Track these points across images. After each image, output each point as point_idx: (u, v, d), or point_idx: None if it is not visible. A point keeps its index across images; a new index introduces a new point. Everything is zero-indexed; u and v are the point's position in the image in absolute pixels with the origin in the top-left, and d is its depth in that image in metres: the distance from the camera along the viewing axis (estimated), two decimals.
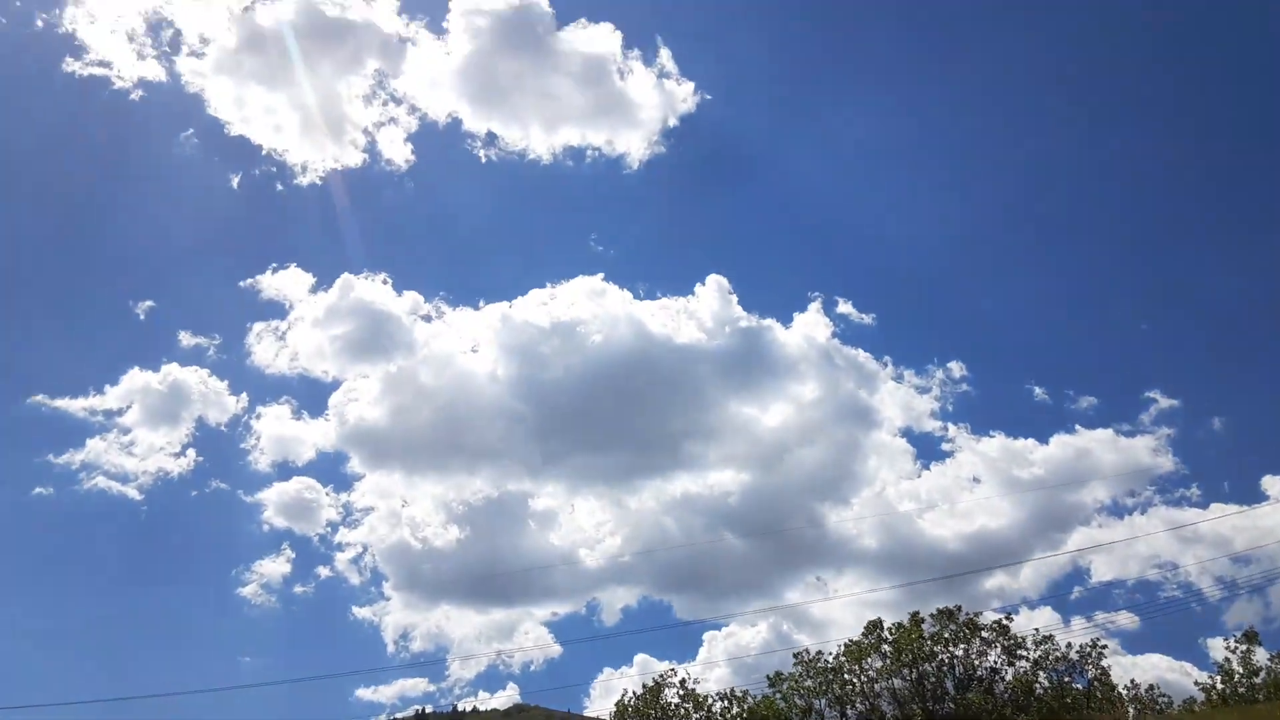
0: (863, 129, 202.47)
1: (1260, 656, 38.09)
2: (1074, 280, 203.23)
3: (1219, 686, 37.37)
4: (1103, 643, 34.83)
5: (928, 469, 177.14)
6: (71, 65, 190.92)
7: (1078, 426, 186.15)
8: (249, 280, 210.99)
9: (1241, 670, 37.52)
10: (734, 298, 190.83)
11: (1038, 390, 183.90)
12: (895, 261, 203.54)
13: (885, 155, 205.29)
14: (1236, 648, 38.12)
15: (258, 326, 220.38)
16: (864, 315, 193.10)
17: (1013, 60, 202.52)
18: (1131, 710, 33.27)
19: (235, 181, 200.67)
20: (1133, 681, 36.05)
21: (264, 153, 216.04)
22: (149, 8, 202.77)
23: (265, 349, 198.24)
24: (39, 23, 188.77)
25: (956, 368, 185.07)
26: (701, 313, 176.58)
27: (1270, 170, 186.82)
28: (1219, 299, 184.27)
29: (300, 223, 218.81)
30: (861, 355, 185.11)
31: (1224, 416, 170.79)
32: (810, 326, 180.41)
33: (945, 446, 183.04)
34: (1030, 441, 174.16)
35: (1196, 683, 38.47)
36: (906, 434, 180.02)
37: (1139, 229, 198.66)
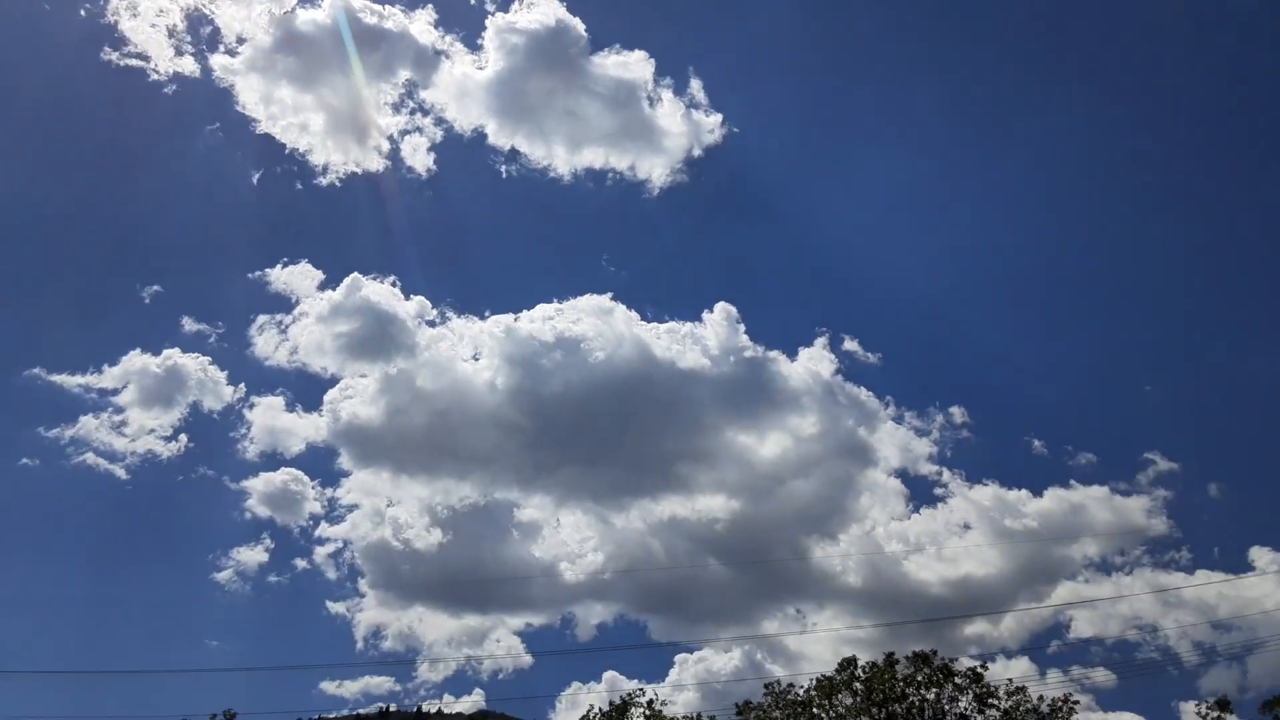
0: (885, 172, 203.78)
1: None
2: (1082, 337, 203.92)
3: None
4: (1074, 698, 34.84)
5: (918, 512, 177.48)
6: (109, 55, 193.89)
7: (1074, 482, 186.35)
8: (258, 273, 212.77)
9: None
10: (741, 327, 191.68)
11: (1036, 443, 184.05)
12: (906, 304, 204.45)
13: (906, 199, 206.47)
14: (1208, 714, 38.10)
15: (261, 318, 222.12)
16: (870, 354, 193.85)
17: (1040, 122, 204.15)
18: None
19: (255, 177, 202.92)
20: None
21: (287, 151, 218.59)
22: (191, 4, 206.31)
23: (267, 341, 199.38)
24: (82, 12, 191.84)
25: (958, 413, 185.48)
26: (708, 339, 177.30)
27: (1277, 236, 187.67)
28: (1226, 366, 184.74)
29: (315, 222, 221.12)
30: (864, 394, 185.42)
31: (1221, 483, 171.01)
32: (815, 361, 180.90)
33: (938, 491, 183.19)
34: (1024, 493, 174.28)
35: None
36: (901, 475, 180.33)
37: (1151, 292, 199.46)
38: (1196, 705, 39.12)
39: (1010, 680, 35.24)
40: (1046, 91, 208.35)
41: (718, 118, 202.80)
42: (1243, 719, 39.12)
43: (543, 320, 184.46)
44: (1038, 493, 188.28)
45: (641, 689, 29.35)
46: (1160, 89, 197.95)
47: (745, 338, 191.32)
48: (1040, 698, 34.39)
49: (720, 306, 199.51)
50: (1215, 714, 37.80)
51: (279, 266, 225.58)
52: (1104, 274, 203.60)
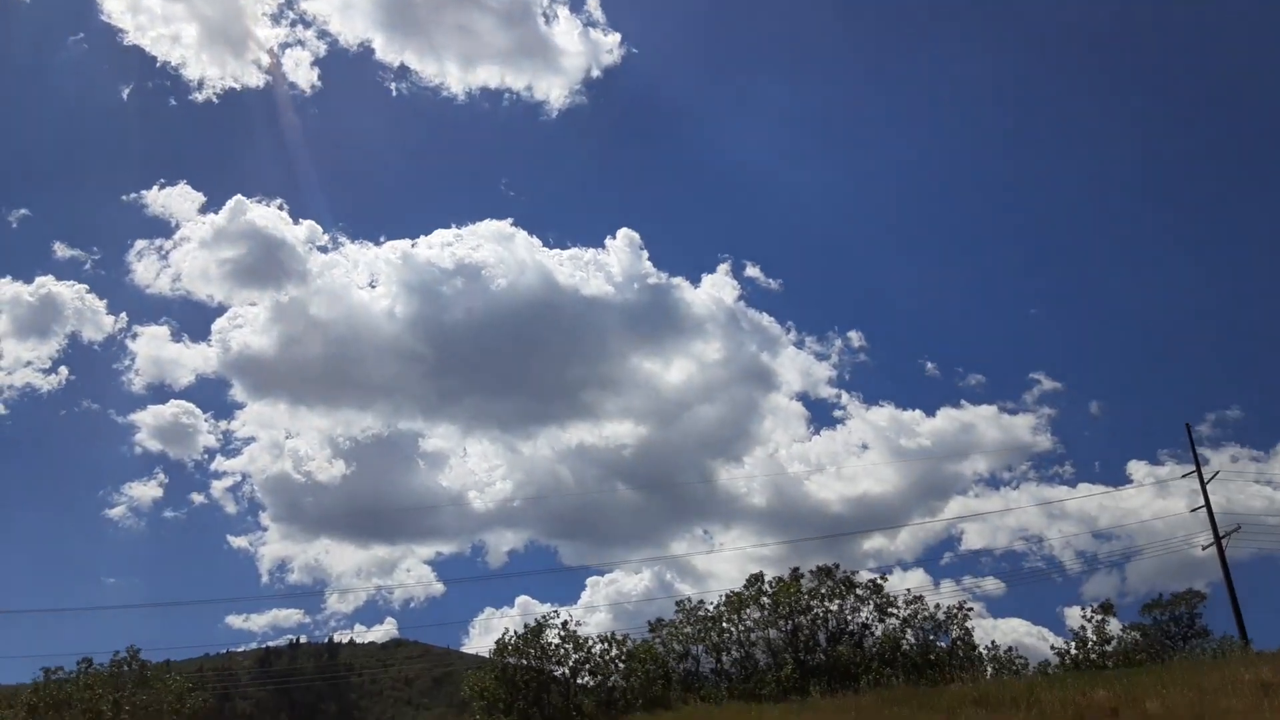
0: (788, 98, 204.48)
1: (1114, 627, 40.35)
2: (973, 264, 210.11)
3: (1073, 652, 39.45)
4: (968, 605, 36.35)
5: (819, 434, 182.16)
6: None
7: (964, 402, 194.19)
8: (133, 195, 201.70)
9: (1095, 638, 39.62)
10: (645, 253, 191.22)
11: (930, 365, 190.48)
12: (807, 231, 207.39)
13: (807, 126, 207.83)
14: (1093, 617, 40.24)
15: (140, 244, 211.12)
16: (771, 280, 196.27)
17: (940, 53, 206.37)
18: (990, 669, 34.85)
19: (125, 92, 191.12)
20: (993, 643, 37.77)
21: (158, 65, 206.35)
22: None
23: (146, 268, 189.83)
24: None
25: (856, 338, 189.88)
26: (611, 265, 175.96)
27: (1168, 174, 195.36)
28: (1108, 291, 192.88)
29: (193, 140, 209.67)
30: (766, 319, 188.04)
31: (1102, 401, 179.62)
32: (718, 287, 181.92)
33: (837, 413, 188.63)
34: (918, 413, 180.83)
35: (1053, 647, 40.54)
36: (803, 398, 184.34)
37: (1038, 220, 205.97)
38: (1082, 610, 41.35)
39: (909, 590, 36.63)
40: (946, 21, 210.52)
41: (616, 37, 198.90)
42: (1123, 621, 41.49)
43: (441, 246, 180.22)
44: (931, 413, 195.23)
45: (556, 611, 29.50)
46: (1054, 18, 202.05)
47: (649, 264, 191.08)
48: (937, 605, 35.85)
49: (623, 233, 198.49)
50: (1099, 617, 39.93)
51: (155, 188, 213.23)
52: (993, 203, 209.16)
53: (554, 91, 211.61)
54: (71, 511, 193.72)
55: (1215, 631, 43.83)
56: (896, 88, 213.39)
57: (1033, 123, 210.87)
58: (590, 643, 30.46)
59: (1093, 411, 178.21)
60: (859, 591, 35.37)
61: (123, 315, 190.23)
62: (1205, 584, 48.64)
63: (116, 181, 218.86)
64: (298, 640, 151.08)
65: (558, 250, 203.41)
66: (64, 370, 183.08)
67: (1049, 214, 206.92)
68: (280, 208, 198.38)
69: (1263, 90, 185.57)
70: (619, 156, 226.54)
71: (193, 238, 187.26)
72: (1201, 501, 48.01)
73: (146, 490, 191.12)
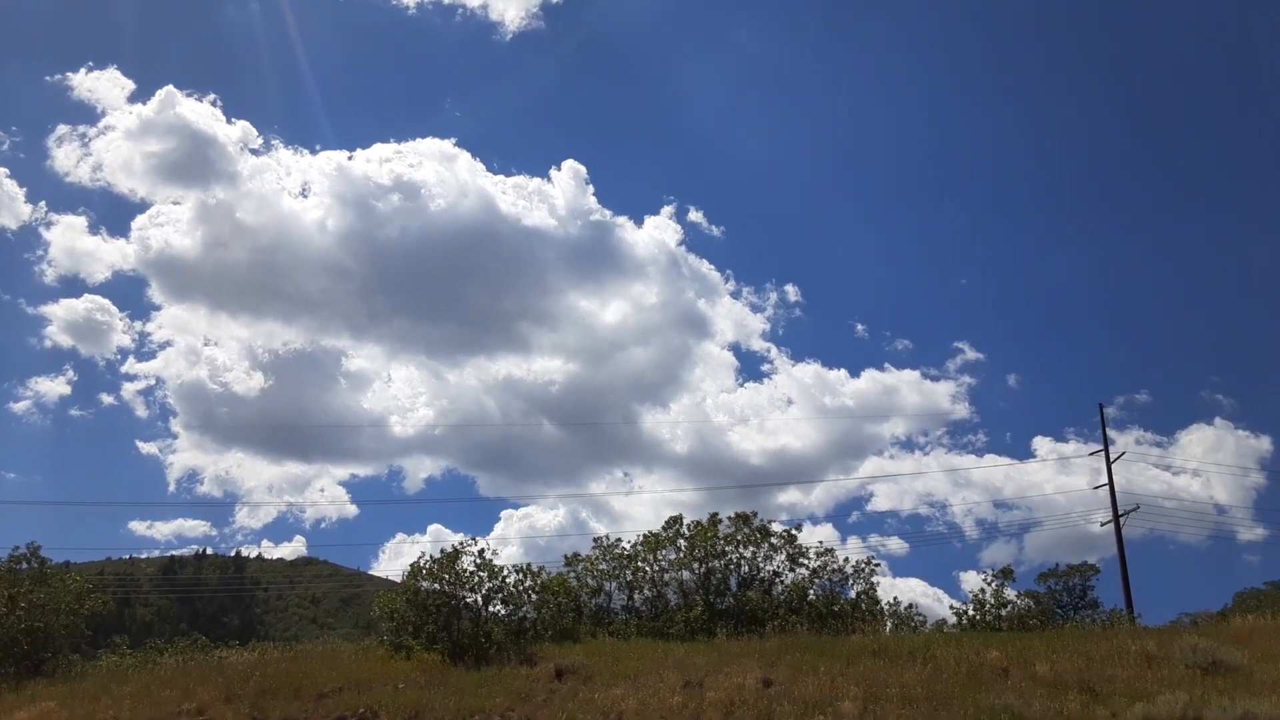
0: (748, 47, 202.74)
1: (1010, 594, 41.94)
2: (912, 229, 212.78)
3: (970, 613, 40.92)
4: (875, 562, 37.30)
5: (745, 385, 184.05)
6: None
7: (889, 365, 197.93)
8: (57, 76, 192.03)
9: (993, 602, 41.14)
10: (590, 188, 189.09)
11: (860, 326, 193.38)
12: (754, 181, 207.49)
13: (764, 77, 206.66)
14: (993, 581, 41.75)
15: (62, 129, 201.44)
16: (714, 227, 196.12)
17: (900, 17, 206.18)
18: (889, 624, 35.93)
19: None
20: (895, 599, 38.95)
21: None
22: None
23: (67, 154, 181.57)
24: None
25: (792, 292, 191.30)
26: (555, 198, 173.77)
27: (1103, 154, 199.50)
28: (1038, 269, 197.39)
29: (126, 24, 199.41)
30: (706, 266, 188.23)
31: (1020, 375, 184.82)
32: (661, 229, 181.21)
33: (765, 367, 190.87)
34: (843, 373, 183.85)
35: (951, 607, 41.97)
36: (734, 349, 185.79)
37: (978, 191, 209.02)
38: (981, 574, 42.83)
39: (820, 542, 37.43)
40: None
41: None
42: (1018, 589, 43.04)
43: (379, 161, 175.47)
44: (856, 373, 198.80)
45: (473, 539, 29.38)
46: None
47: (593, 199, 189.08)
48: (846, 559, 36.74)
49: (569, 165, 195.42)
50: (999, 582, 41.43)
51: (82, 72, 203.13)
52: (937, 170, 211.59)
53: (510, 12, 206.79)
54: None
55: (1105, 604, 45.82)
56: (855, 48, 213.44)
57: (981, 97, 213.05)
58: (505, 572, 30.45)
59: (1010, 384, 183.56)
60: (773, 540, 36.01)
61: (41, 204, 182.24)
62: (1098, 559, 50.72)
63: (41, 61, 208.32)
64: (203, 551, 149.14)
65: (501, 177, 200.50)
66: None
67: (990, 187, 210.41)
68: (214, 104, 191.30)
69: (1200, 73, 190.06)
70: (572, 87, 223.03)
71: (118, 127, 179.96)
72: (1104, 479, 49.85)
73: (54, 386, 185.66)
